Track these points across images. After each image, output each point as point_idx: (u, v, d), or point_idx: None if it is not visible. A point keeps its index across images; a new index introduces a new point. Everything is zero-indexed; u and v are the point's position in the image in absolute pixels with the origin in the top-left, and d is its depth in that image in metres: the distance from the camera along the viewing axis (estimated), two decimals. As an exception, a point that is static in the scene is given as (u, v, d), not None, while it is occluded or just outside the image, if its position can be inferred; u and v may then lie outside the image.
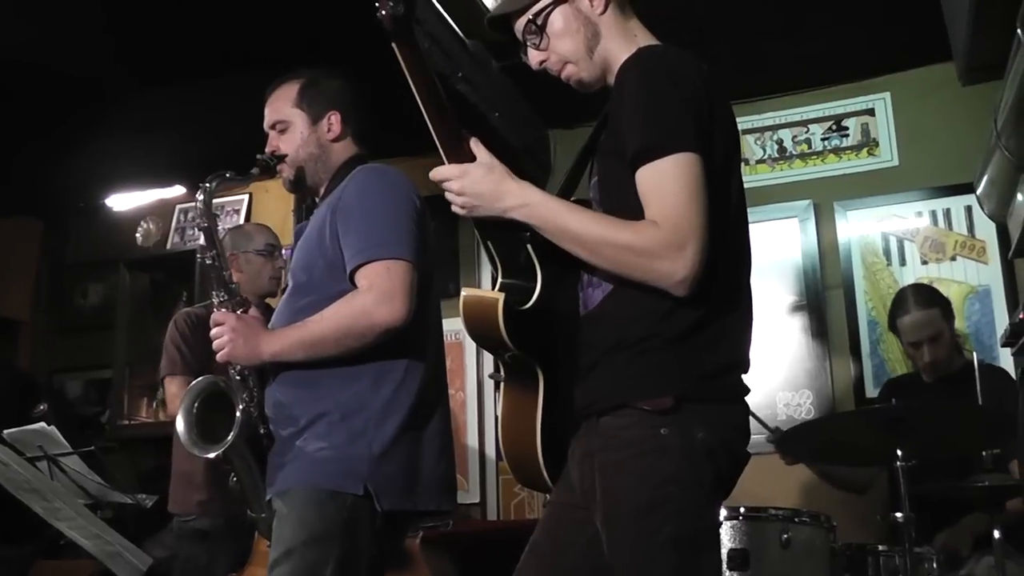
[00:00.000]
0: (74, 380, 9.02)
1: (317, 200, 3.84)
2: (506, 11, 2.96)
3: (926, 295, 5.50)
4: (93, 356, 8.89)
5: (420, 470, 3.44)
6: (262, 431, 3.52)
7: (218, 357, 3.55)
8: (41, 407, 7.18)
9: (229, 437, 3.47)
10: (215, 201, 3.79)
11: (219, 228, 3.97)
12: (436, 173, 2.76)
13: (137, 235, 8.91)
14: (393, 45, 2.65)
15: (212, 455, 3.55)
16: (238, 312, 3.60)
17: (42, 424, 5.79)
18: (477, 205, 2.73)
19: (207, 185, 3.67)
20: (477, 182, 2.72)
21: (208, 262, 3.74)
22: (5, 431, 5.63)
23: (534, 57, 2.94)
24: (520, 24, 2.93)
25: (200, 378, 3.69)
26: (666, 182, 2.54)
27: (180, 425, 3.61)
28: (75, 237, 9.38)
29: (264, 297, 5.58)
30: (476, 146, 2.78)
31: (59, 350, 9.17)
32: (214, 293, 3.69)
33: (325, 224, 3.54)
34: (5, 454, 4.41)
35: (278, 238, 5.77)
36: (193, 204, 3.80)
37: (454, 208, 2.78)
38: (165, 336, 5.53)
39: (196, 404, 3.63)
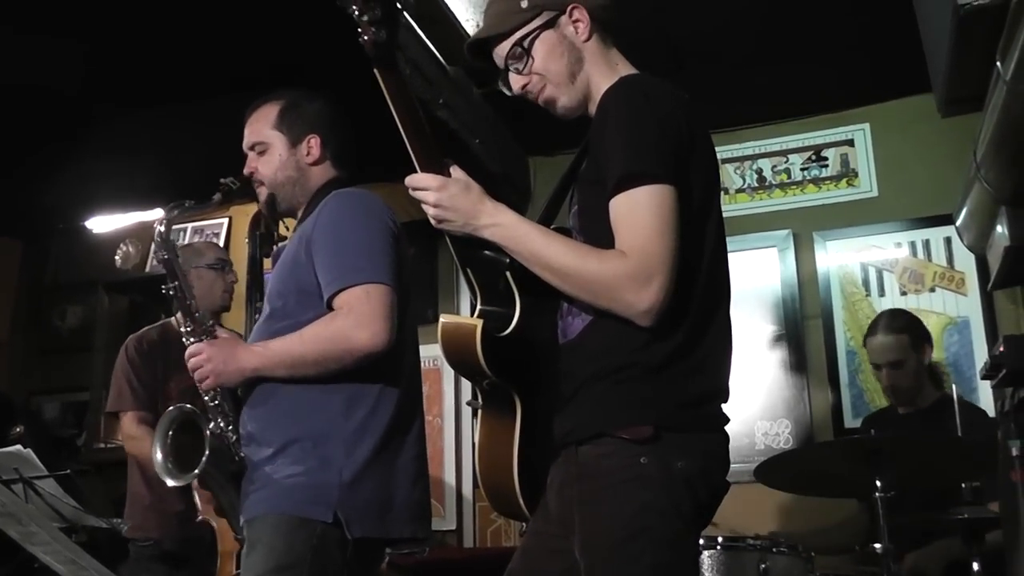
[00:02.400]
0: (51, 402, 8.97)
1: (286, 221, 3.84)
2: (490, 34, 2.97)
3: (898, 321, 5.51)
4: (71, 378, 8.84)
5: (393, 497, 3.41)
6: (239, 456, 3.51)
7: (203, 386, 3.54)
8: (17, 429, 7.15)
9: (198, 467, 3.46)
10: (195, 225, 3.80)
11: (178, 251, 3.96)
12: (414, 180, 2.77)
13: (116, 257, 8.89)
14: (375, 71, 2.65)
15: (183, 483, 3.55)
16: (207, 340, 3.59)
17: (18, 446, 5.75)
18: (451, 220, 2.75)
19: (166, 216, 3.67)
20: (454, 197, 2.73)
21: (172, 293, 3.74)
22: (-20, 453, 5.61)
23: (516, 82, 2.95)
24: (503, 48, 2.94)
25: (171, 408, 3.67)
26: (638, 212, 2.55)
27: (156, 456, 3.59)
28: (54, 258, 9.34)
29: (218, 312, 5.60)
30: (455, 171, 2.79)
31: (37, 371, 9.12)
32: (181, 323, 3.69)
33: (300, 250, 3.53)
34: (-20, 478, 4.39)
35: (227, 253, 5.80)
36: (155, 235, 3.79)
37: (429, 218, 2.79)
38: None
39: (170, 433, 3.62)
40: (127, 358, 5.48)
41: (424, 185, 2.75)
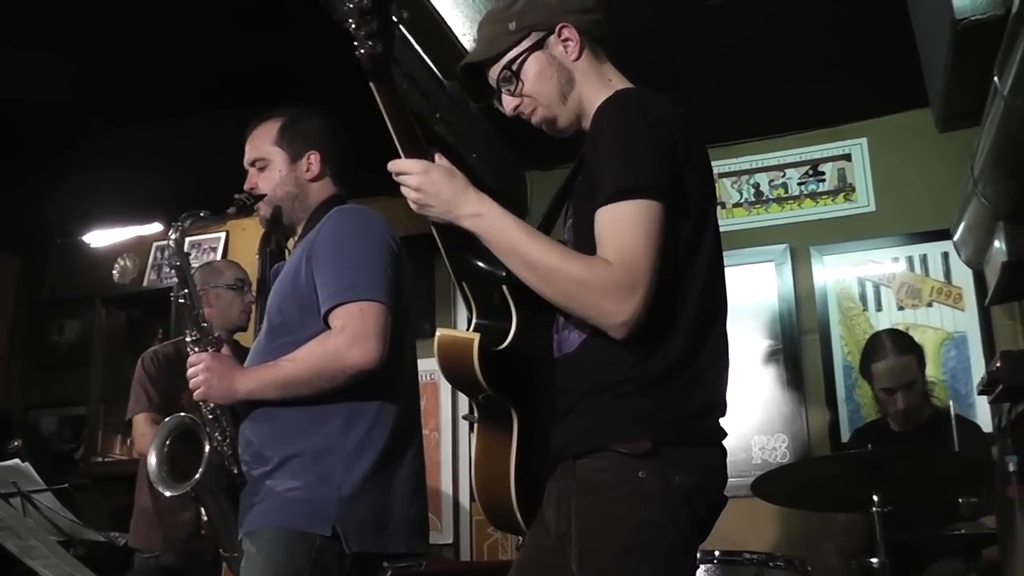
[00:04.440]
0: (49, 416, 8.99)
1: (294, 238, 3.84)
2: (480, 59, 2.97)
3: (903, 342, 5.51)
4: (68, 392, 8.86)
5: (391, 512, 3.43)
6: (235, 471, 3.52)
7: (195, 396, 3.55)
8: (15, 443, 7.15)
9: (196, 474, 3.46)
10: (192, 239, 3.79)
11: (192, 266, 3.96)
12: (397, 164, 2.76)
13: (114, 272, 8.91)
14: (370, 84, 2.65)
15: (180, 493, 3.55)
16: (211, 351, 3.60)
17: (16, 460, 5.77)
18: (432, 205, 2.72)
19: (180, 224, 3.67)
20: (437, 182, 2.71)
21: (181, 301, 3.74)
22: (-22, 468, 5.62)
23: (508, 103, 2.95)
24: (495, 72, 2.95)
25: (171, 416, 3.68)
26: (625, 225, 2.54)
27: (151, 462, 3.60)
28: (52, 273, 9.37)
29: (235, 331, 5.63)
30: (439, 158, 2.79)
31: (35, 386, 9.13)
32: (187, 332, 3.69)
33: (300, 265, 3.54)
34: (-22, 492, 4.41)
35: (247, 274, 5.81)
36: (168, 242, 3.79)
37: (409, 203, 2.78)
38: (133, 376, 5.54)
39: (167, 442, 3.62)
40: (144, 369, 5.54)
41: (407, 169, 2.74)
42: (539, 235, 2.69)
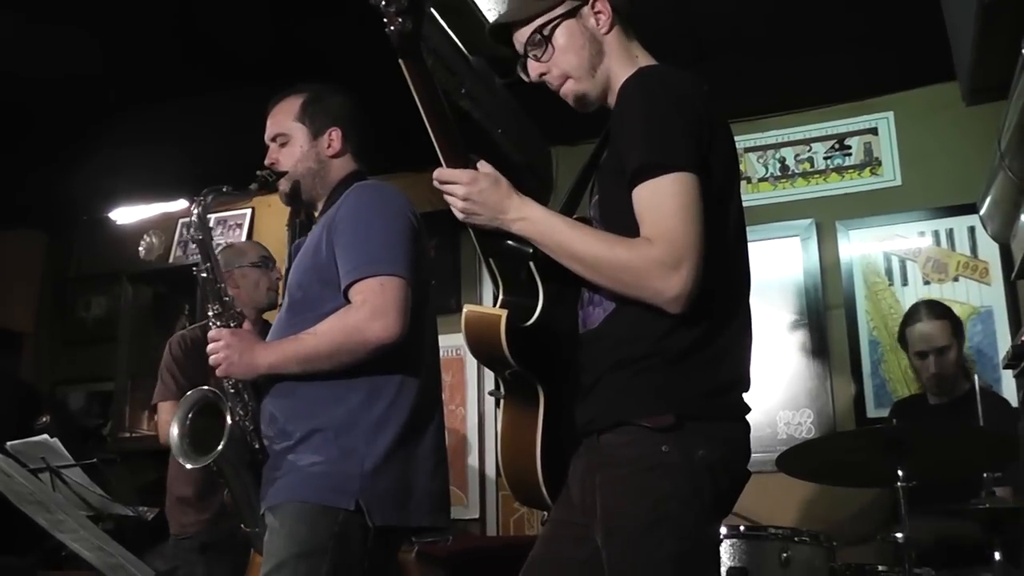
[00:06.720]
0: (77, 392, 9.06)
1: (315, 215, 3.85)
2: (511, 20, 2.96)
3: (938, 308, 5.56)
4: (96, 368, 8.92)
5: (413, 486, 3.43)
6: (257, 445, 3.53)
7: (217, 372, 3.55)
8: (44, 419, 7.19)
9: (218, 447, 3.48)
10: (217, 216, 3.80)
11: (215, 243, 3.96)
12: (443, 174, 2.76)
13: (140, 248, 8.95)
14: (400, 61, 2.65)
15: (201, 465, 3.56)
16: (232, 326, 3.61)
17: (45, 436, 5.79)
18: (478, 214, 2.74)
19: (202, 199, 3.68)
20: (483, 191, 2.72)
21: (204, 275, 3.75)
22: (8, 443, 5.63)
23: (534, 69, 2.94)
24: (523, 35, 2.93)
25: (193, 390, 3.68)
26: (663, 201, 2.54)
27: (173, 434, 3.61)
28: (78, 250, 9.43)
29: (263, 311, 5.63)
30: (483, 165, 2.79)
31: (62, 362, 9.20)
32: (209, 306, 3.70)
33: (320, 241, 3.55)
34: (9, 466, 4.43)
35: (271, 252, 5.80)
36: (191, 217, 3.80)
37: (454, 212, 2.78)
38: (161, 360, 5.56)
39: (190, 415, 3.63)
40: (171, 354, 5.53)
41: (454, 179, 2.74)
42: (581, 227, 2.71)
